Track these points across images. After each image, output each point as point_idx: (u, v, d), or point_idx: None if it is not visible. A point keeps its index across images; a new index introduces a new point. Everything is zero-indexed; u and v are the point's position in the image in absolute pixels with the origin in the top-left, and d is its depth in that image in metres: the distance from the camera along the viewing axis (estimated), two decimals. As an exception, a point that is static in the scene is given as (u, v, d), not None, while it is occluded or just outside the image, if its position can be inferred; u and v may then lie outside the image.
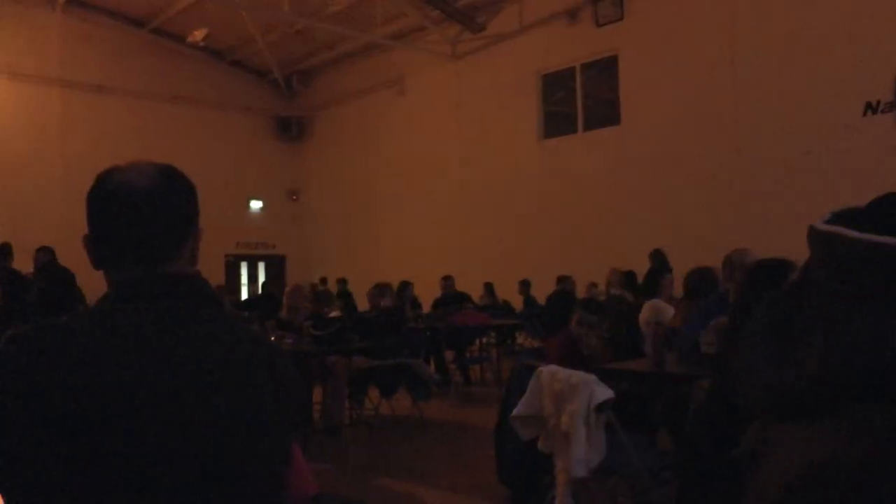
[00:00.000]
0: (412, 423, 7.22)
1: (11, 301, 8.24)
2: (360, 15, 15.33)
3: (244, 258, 19.12)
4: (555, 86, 14.55)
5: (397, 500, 4.96)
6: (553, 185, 13.79)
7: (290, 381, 1.29)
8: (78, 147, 14.80)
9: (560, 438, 3.68)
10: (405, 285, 10.35)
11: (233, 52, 18.12)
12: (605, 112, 13.61)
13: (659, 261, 9.79)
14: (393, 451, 6.35)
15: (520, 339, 12.00)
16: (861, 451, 0.52)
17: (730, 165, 11.41)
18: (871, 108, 9.81)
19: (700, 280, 5.29)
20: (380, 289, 8.10)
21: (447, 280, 10.99)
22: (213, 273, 14.33)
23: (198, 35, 16.44)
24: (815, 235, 0.61)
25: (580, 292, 9.99)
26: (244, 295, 18.07)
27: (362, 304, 9.19)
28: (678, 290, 6.19)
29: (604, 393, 3.59)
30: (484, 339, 10.11)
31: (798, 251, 0.73)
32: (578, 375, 3.66)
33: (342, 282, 14.59)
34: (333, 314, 7.94)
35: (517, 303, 12.51)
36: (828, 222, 0.61)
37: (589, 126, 13.92)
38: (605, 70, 13.60)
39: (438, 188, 16.03)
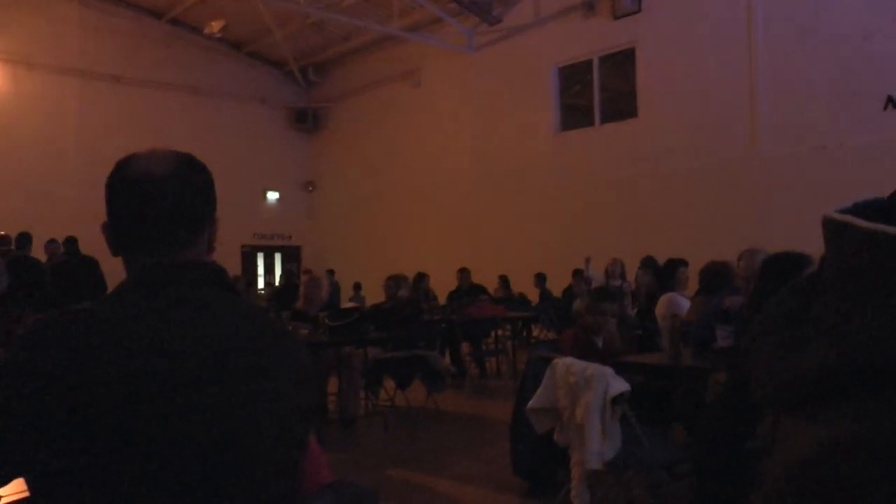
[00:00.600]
0: (427, 414, 7.24)
1: (27, 288, 8.33)
2: (375, 7, 15.34)
3: (260, 249, 19.19)
4: (571, 79, 14.47)
5: (412, 490, 4.97)
6: (569, 178, 13.74)
7: (307, 368, 1.30)
8: (95, 137, 14.85)
9: (575, 431, 3.67)
10: (421, 277, 10.36)
11: (249, 43, 18.14)
12: (622, 105, 13.52)
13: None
14: (408, 443, 6.37)
15: (535, 332, 11.99)
16: (867, 430, 0.52)
17: (748, 159, 11.32)
18: (892, 102, 9.71)
19: (715, 275, 5.27)
20: (396, 280, 8.08)
21: (463, 272, 11.00)
22: (230, 263, 14.38)
23: (215, 26, 16.47)
24: (827, 224, 0.61)
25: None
26: (260, 285, 18.17)
27: (377, 296, 9.20)
28: (693, 286, 6.16)
29: (619, 385, 3.58)
30: (499, 332, 10.12)
31: (817, 246, 0.72)
32: (594, 368, 3.65)
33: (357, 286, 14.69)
34: (349, 305, 7.96)
35: (533, 296, 12.50)
36: (844, 212, 0.61)
37: (606, 119, 13.85)
38: (622, 63, 13.51)
39: (453, 180, 15.99)
